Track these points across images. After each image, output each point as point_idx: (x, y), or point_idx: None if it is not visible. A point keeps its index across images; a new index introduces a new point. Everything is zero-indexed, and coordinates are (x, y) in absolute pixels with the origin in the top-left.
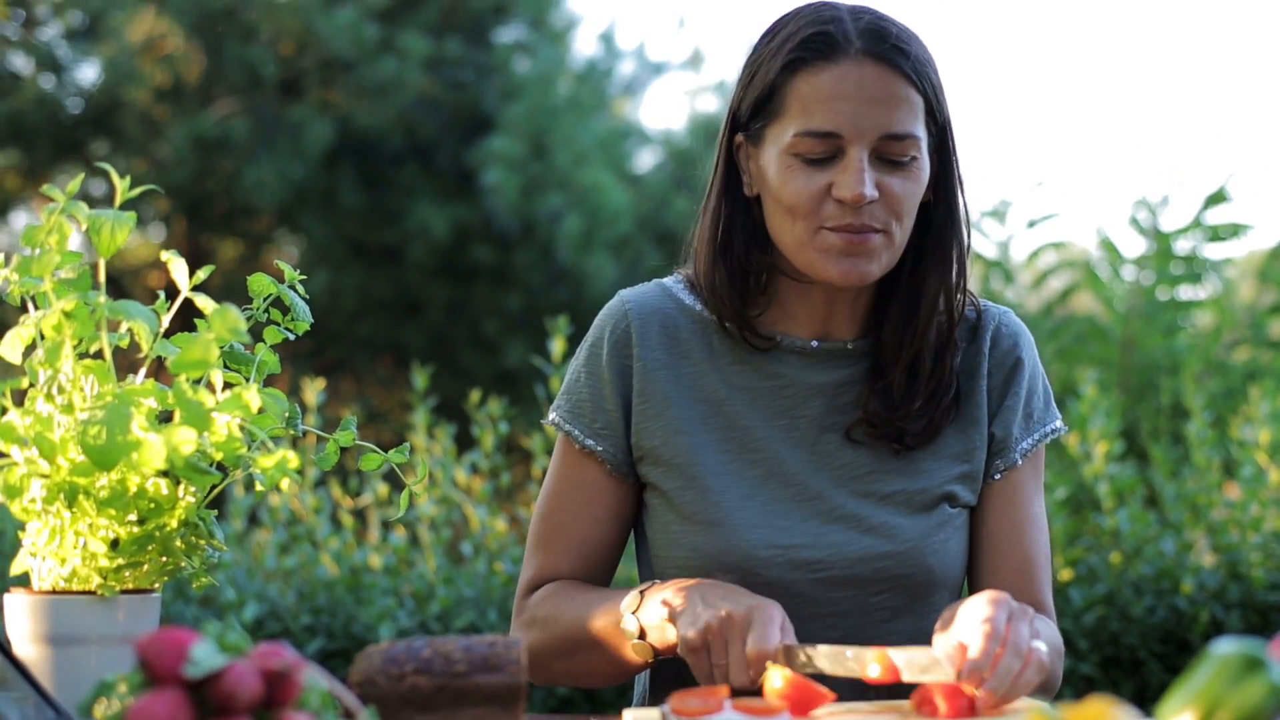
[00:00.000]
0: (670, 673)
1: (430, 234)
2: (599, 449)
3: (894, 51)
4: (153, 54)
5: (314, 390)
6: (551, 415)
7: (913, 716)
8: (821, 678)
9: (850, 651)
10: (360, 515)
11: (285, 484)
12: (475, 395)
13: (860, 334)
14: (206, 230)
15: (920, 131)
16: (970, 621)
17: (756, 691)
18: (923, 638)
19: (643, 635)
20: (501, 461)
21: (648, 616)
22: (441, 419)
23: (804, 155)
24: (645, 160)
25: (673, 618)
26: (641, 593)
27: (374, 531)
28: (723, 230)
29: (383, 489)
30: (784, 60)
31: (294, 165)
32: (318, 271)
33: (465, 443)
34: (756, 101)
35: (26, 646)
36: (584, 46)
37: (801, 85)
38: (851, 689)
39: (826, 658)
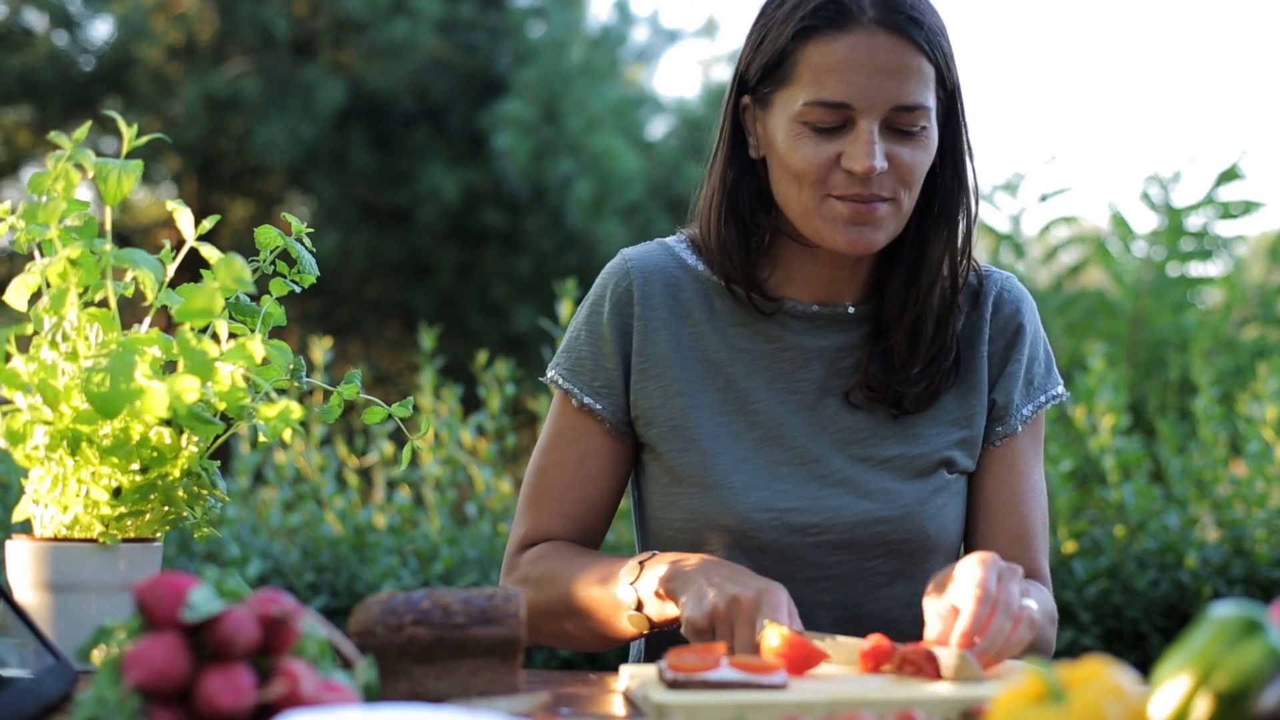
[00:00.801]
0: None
1: (440, 197)
2: (598, 407)
3: (907, 21)
4: (166, 12)
5: (321, 349)
6: (550, 373)
7: (906, 676)
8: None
9: (836, 640)
10: (365, 474)
11: (288, 434)
12: (482, 357)
13: (862, 298)
14: (217, 189)
15: (930, 101)
16: (961, 584)
17: (753, 649)
18: (917, 603)
19: (639, 607)
20: (507, 423)
21: (647, 589)
22: (448, 381)
23: (814, 124)
24: (658, 128)
25: (675, 595)
26: (641, 564)
27: (379, 491)
28: (729, 191)
29: (388, 448)
30: (796, 27)
31: (305, 126)
32: (327, 233)
33: (471, 404)
34: (766, 66)
35: (27, 593)
36: (599, 12)
37: (813, 53)
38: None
39: (835, 648)
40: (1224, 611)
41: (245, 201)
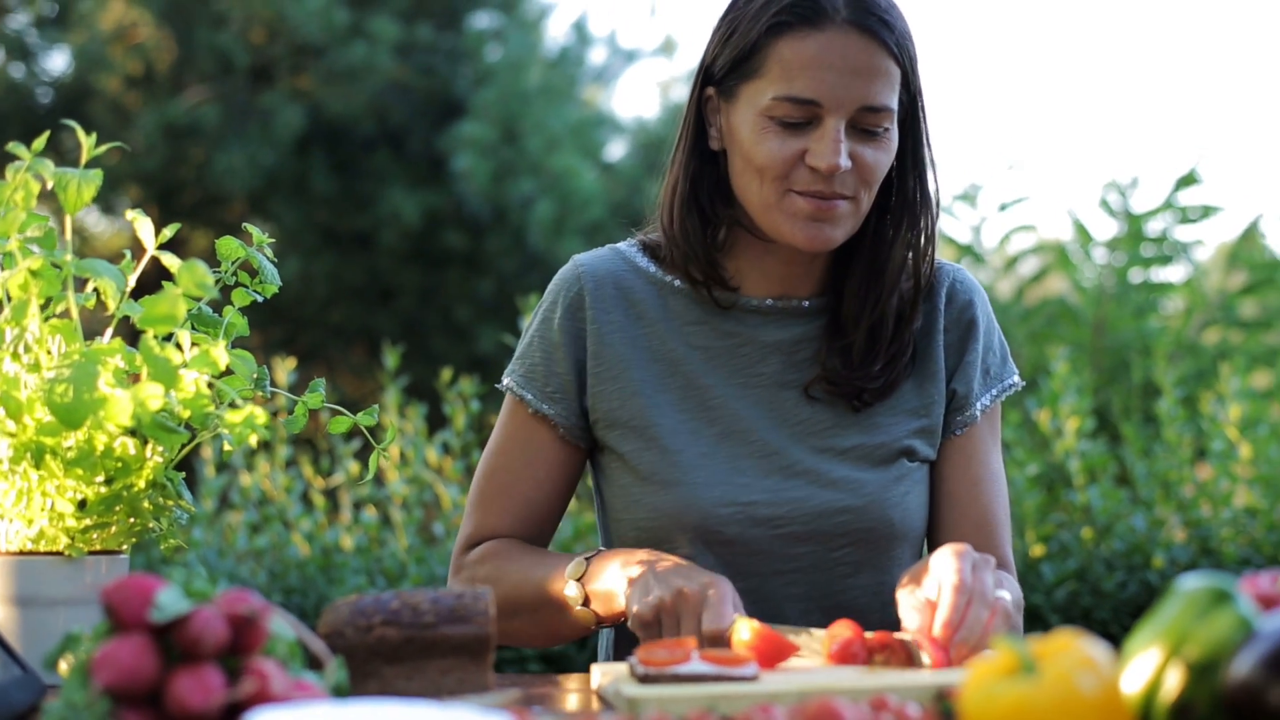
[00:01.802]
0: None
1: (402, 220)
2: (550, 413)
3: (879, 24)
4: (123, 42)
5: (285, 370)
6: (505, 379)
7: (878, 668)
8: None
9: (810, 632)
10: (331, 495)
11: (254, 440)
12: (446, 374)
13: (817, 292)
14: (178, 218)
15: (895, 103)
16: (937, 575)
17: (724, 643)
18: (885, 592)
19: (586, 603)
20: (473, 440)
21: (594, 585)
22: (413, 400)
23: (780, 118)
24: (617, 149)
25: (620, 591)
26: (587, 560)
27: (345, 512)
28: (690, 182)
29: (354, 468)
30: (769, 21)
31: (265, 152)
32: (289, 258)
33: (437, 423)
34: (734, 59)
35: None
36: (556, 33)
37: (784, 49)
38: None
39: (808, 640)
40: (1193, 583)
41: (206, 230)
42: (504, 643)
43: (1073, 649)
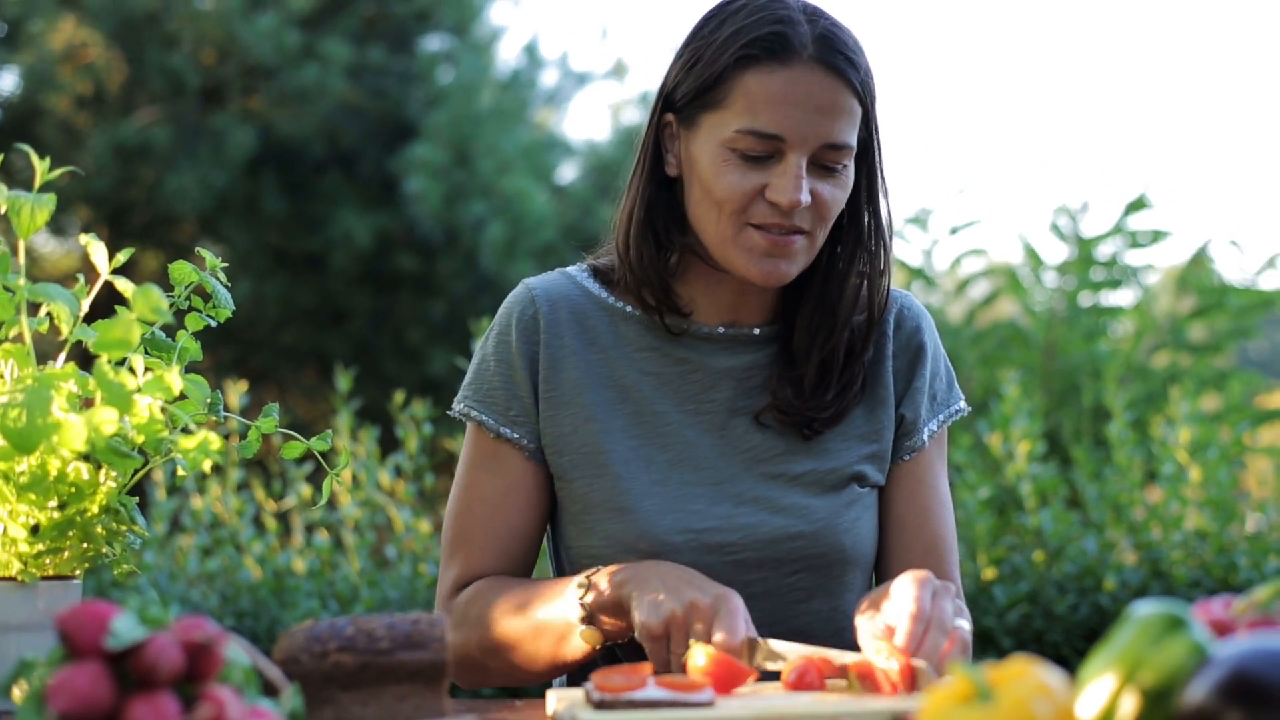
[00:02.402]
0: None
1: (353, 242)
2: (514, 435)
3: (845, 62)
4: (73, 62)
5: (237, 393)
6: (458, 405)
7: (835, 693)
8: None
9: (815, 649)
10: (283, 518)
11: (207, 466)
12: (399, 396)
13: (768, 320)
14: (128, 239)
15: (854, 141)
16: (896, 602)
17: (736, 655)
18: (838, 617)
19: (591, 621)
20: (425, 463)
21: (598, 602)
22: (365, 423)
23: (742, 151)
24: (568, 171)
25: (628, 602)
26: (589, 578)
27: (298, 535)
28: (646, 208)
29: (306, 491)
30: (735, 54)
31: (216, 173)
32: (240, 280)
33: (389, 446)
34: (698, 88)
35: None
36: (508, 56)
37: (751, 82)
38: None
39: (793, 654)
40: (1147, 609)
41: (157, 251)
42: (501, 683)
43: (1028, 675)
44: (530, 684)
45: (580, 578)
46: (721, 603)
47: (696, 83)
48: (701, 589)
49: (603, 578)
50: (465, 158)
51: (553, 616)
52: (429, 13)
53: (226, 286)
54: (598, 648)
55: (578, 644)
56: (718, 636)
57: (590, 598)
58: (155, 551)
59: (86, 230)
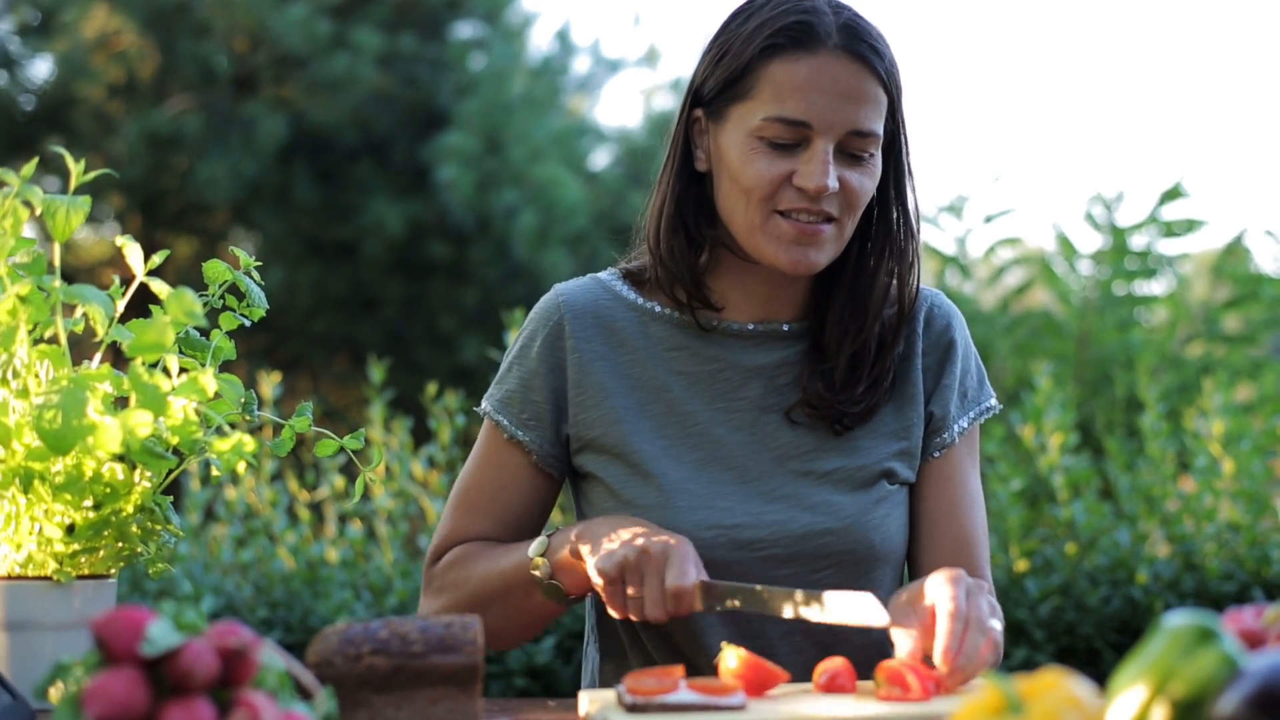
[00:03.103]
0: (619, 648)
1: (385, 230)
2: (524, 439)
3: (870, 50)
4: (106, 50)
5: (270, 384)
6: (483, 404)
7: (868, 696)
8: (774, 658)
9: (764, 590)
10: (317, 509)
11: (242, 467)
12: (432, 388)
13: (799, 316)
14: (161, 227)
15: (881, 130)
16: (932, 602)
17: (712, 671)
18: None
19: (551, 575)
20: (458, 454)
21: (558, 557)
22: (398, 413)
23: (770, 139)
24: (601, 158)
25: (583, 554)
26: (548, 536)
27: (331, 525)
28: (676, 204)
29: (339, 482)
30: (761, 44)
31: (248, 161)
32: (273, 268)
33: (422, 436)
34: (725, 79)
35: None
36: (540, 42)
37: (777, 71)
38: (801, 670)
39: (741, 594)
40: (1178, 620)
41: (189, 239)
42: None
43: (1058, 687)
44: (508, 645)
45: (540, 538)
46: (672, 549)
47: (724, 75)
48: (651, 536)
49: (560, 537)
50: (497, 145)
51: (517, 574)
52: (460, 0)
53: (260, 285)
54: (561, 605)
55: (542, 598)
56: (669, 579)
57: (550, 555)
58: (190, 542)
59: (120, 218)
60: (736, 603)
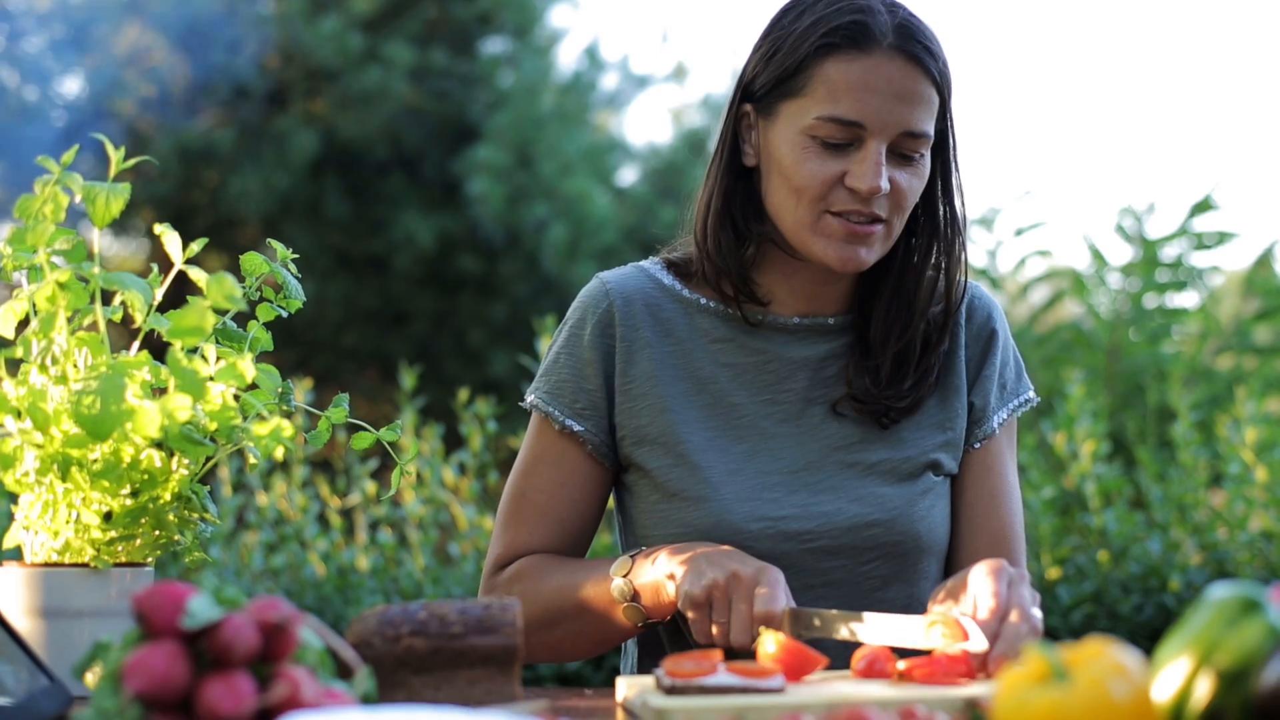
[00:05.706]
0: (657, 641)
1: (416, 244)
2: (579, 429)
3: (924, 51)
4: (138, 65)
5: (302, 390)
6: (530, 397)
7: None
8: (813, 642)
9: (851, 615)
10: (348, 515)
11: (280, 453)
12: (464, 394)
13: (844, 309)
14: (192, 242)
15: (932, 130)
16: (977, 592)
17: (750, 655)
18: (914, 605)
19: (634, 598)
20: (490, 461)
21: (642, 578)
22: (429, 420)
23: (823, 139)
24: (629, 174)
25: (671, 575)
26: (632, 557)
27: (362, 532)
28: (724, 198)
29: (370, 488)
30: (816, 42)
31: (279, 176)
32: (303, 282)
33: (453, 445)
34: (778, 76)
35: (19, 620)
36: (569, 59)
37: (831, 70)
38: (841, 655)
39: (827, 620)
40: (1223, 592)
41: (220, 254)
42: (547, 658)
43: (1104, 655)
44: (572, 661)
45: (624, 558)
46: (763, 574)
47: (776, 72)
48: (743, 562)
49: (646, 558)
50: (527, 160)
51: (597, 593)
52: (490, 16)
53: (297, 277)
54: (639, 626)
55: (620, 622)
56: (759, 605)
57: (634, 577)
58: (221, 547)
59: (150, 233)
60: (823, 629)
